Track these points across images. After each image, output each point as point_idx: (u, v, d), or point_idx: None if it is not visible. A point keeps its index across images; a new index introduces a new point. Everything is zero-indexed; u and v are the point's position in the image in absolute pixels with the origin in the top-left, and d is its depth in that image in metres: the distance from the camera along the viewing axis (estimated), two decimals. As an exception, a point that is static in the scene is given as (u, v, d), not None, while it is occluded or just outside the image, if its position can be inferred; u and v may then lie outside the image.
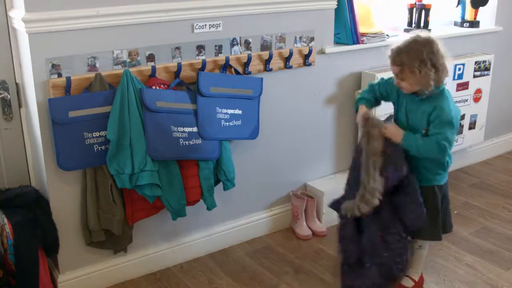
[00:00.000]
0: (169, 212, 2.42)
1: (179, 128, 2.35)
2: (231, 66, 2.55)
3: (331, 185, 3.06)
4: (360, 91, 3.02)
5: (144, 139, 2.25)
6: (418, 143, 2.15)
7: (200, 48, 2.46)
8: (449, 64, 2.17)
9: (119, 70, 2.26)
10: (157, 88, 2.32)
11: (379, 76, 2.99)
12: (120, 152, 2.21)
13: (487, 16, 3.66)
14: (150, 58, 2.34)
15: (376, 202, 2.15)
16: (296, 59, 2.75)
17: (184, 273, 2.61)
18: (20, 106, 2.34)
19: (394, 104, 2.35)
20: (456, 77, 3.40)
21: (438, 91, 2.17)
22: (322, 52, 2.85)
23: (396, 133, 2.19)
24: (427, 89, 2.13)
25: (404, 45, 2.14)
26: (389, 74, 3.08)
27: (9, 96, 2.31)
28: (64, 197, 2.29)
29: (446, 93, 2.20)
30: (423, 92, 2.15)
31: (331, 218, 3.03)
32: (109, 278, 2.49)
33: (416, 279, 2.48)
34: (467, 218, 3.17)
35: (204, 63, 2.45)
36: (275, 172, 2.91)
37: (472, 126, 3.62)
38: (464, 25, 3.59)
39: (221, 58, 2.52)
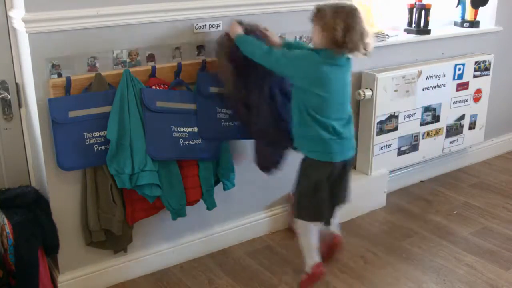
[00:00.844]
0: (169, 212, 2.42)
1: (179, 128, 2.35)
2: (231, 66, 2.54)
3: (331, 185, 3.06)
4: (360, 90, 3.03)
5: (144, 139, 2.25)
6: (255, 40, 2.27)
7: (200, 48, 2.45)
8: (369, 39, 2.18)
9: (119, 70, 2.26)
10: (157, 88, 2.32)
11: (379, 76, 3.00)
12: (120, 152, 2.21)
13: (487, 16, 3.66)
14: (150, 58, 2.34)
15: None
16: (296, 59, 2.75)
17: (184, 273, 2.61)
18: (20, 106, 2.34)
19: None
20: (456, 77, 3.40)
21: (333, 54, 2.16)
22: (322, 52, 2.85)
23: (234, 29, 2.31)
24: (326, 42, 2.15)
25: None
26: (389, 74, 3.09)
27: (9, 96, 2.31)
28: (64, 197, 2.29)
29: (326, 58, 2.16)
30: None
31: (331, 218, 3.04)
32: (109, 278, 2.49)
33: (309, 271, 2.41)
34: (467, 218, 3.17)
35: (204, 63, 2.45)
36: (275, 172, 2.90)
37: (472, 126, 3.62)
38: (464, 25, 3.59)
39: (221, 58, 2.51)
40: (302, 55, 2.23)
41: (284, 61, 2.21)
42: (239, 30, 2.31)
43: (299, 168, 2.39)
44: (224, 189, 2.56)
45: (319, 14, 2.19)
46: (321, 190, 2.32)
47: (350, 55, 2.22)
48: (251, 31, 2.35)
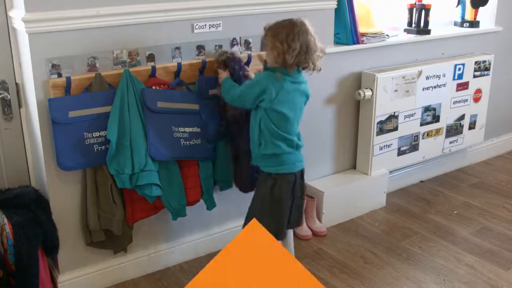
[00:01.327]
0: (169, 212, 2.42)
1: (179, 128, 2.35)
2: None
3: (331, 185, 3.06)
4: (360, 90, 3.03)
5: (144, 139, 2.25)
6: (231, 85, 2.28)
7: (200, 48, 2.45)
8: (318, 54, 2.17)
9: (119, 70, 2.26)
10: (157, 88, 2.32)
11: (379, 76, 3.00)
12: (120, 152, 2.21)
13: (487, 16, 3.66)
14: (150, 58, 2.34)
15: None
16: (296, 59, 2.75)
17: (184, 273, 2.61)
18: (20, 106, 2.34)
19: None
20: (456, 77, 3.40)
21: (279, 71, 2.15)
22: (322, 52, 2.85)
23: (220, 75, 2.35)
24: (272, 62, 2.15)
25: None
26: (389, 74, 3.09)
27: (9, 96, 2.31)
28: (64, 197, 2.29)
29: (274, 76, 2.14)
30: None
31: (331, 218, 3.04)
32: (109, 278, 2.50)
33: None
34: (467, 218, 3.17)
35: (204, 63, 2.45)
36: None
37: (472, 126, 3.63)
38: (464, 25, 3.59)
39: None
40: (259, 78, 2.21)
41: (245, 92, 2.21)
42: (224, 75, 2.34)
43: (260, 188, 2.32)
44: (221, 189, 2.56)
45: (264, 34, 2.18)
46: (285, 205, 2.29)
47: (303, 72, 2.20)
48: (234, 69, 2.36)
